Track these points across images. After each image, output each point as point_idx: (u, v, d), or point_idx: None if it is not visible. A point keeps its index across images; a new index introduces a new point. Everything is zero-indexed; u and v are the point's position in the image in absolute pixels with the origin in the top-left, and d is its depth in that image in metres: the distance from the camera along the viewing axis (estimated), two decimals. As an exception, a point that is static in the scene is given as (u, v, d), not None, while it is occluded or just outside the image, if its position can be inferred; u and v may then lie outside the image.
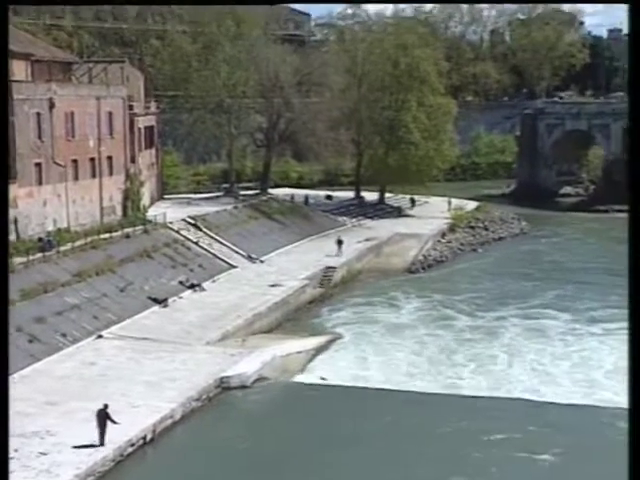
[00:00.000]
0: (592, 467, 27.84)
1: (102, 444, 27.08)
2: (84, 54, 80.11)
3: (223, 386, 33.77)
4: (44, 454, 26.25)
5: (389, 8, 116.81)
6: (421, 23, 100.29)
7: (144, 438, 28.61)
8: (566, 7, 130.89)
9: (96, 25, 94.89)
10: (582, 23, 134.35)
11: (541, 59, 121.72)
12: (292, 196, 73.19)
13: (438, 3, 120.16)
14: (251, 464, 28.04)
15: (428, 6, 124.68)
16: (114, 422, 27.60)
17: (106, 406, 27.86)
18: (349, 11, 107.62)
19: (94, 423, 27.32)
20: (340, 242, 57.97)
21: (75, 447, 26.84)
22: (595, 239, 71.47)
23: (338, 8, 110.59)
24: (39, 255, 42.43)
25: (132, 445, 27.96)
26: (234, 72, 70.74)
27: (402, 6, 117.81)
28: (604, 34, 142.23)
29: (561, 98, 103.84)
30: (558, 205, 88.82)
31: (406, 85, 75.35)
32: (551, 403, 33.40)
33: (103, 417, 27.46)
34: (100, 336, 38.62)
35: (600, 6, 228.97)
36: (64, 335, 37.33)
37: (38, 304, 38.17)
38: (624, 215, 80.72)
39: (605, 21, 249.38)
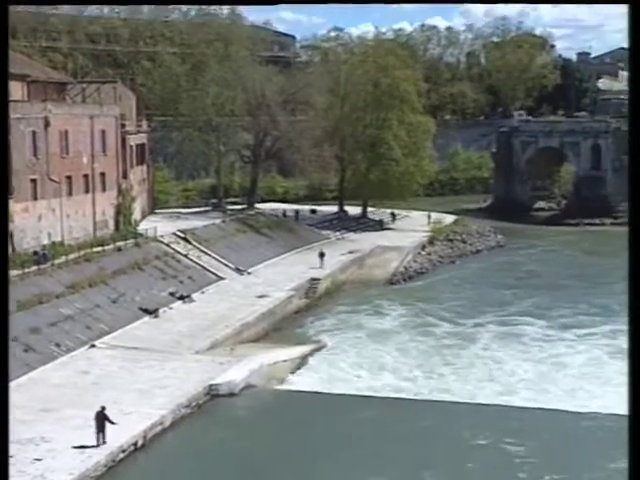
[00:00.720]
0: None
1: (104, 442, 27.27)
2: (78, 75, 79.88)
3: (212, 393, 33.59)
4: (39, 460, 26.06)
5: (370, 31, 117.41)
6: (401, 45, 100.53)
7: (135, 444, 28.42)
8: (538, 31, 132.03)
9: (90, 47, 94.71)
10: (553, 46, 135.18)
11: (515, 80, 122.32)
12: (284, 211, 73.31)
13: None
14: (238, 469, 27.88)
15: (408, 29, 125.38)
16: (112, 423, 27.70)
17: (104, 408, 27.91)
18: (332, 34, 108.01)
19: (88, 429, 27.15)
20: (322, 255, 57.91)
21: (69, 453, 26.64)
22: (568, 250, 71.82)
23: (322, 30, 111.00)
24: (34, 268, 42.23)
25: (123, 451, 27.76)
26: (222, 92, 70.82)
27: (383, 29, 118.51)
28: (573, 57, 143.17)
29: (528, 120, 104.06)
30: (532, 219, 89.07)
31: (387, 104, 75.53)
32: (518, 407, 33.43)
33: (101, 419, 27.56)
34: (93, 346, 38.43)
35: (569, 30, 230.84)
36: (58, 345, 37.13)
37: (33, 315, 37.95)
38: (594, 228, 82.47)
39: (574, 45, 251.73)
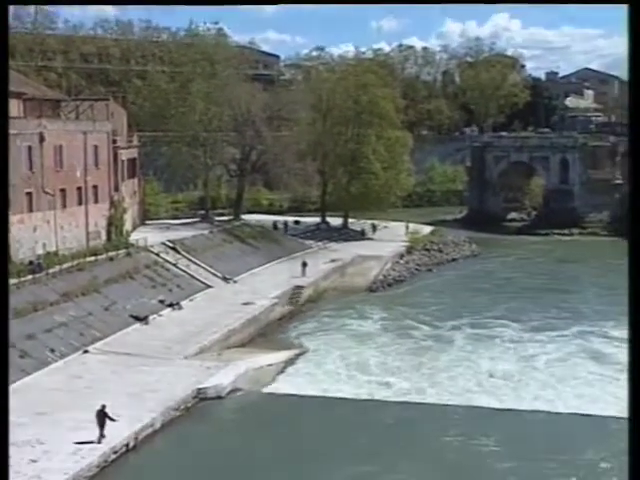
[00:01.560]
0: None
1: (103, 437, 27.58)
2: (72, 93, 79.66)
3: (200, 397, 33.53)
4: (34, 461, 25.92)
5: (351, 51, 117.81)
6: (380, 64, 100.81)
7: (127, 445, 28.33)
8: (509, 52, 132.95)
9: (83, 66, 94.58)
10: (523, 66, 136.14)
11: (488, 98, 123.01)
12: (275, 223, 73.42)
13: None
14: (224, 467, 27.90)
15: (386, 49, 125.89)
16: (112, 420, 28.02)
17: (104, 406, 28.10)
18: (314, 53, 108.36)
19: (82, 431, 27.06)
20: (304, 264, 57.91)
21: (63, 454, 26.53)
22: (539, 259, 72.28)
23: (305, 50, 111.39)
24: (29, 277, 42.04)
25: (115, 452, 27.68)
26: (209, 108, 70.77)
27: (363, 49, 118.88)
28: (542, 76, 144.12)
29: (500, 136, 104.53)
30: (505, 229, 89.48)
31: (366, 120, 75.77)
32: (487, 408, 33.52)
33: (102, 416, 27.81)
34: (86, 351, 38.28)
35: (538, 51, 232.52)
36: (53, 350, 36.96)
37: (29, 322, 37.76)
38: (563, 238, 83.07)
39: (543, 65, 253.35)
